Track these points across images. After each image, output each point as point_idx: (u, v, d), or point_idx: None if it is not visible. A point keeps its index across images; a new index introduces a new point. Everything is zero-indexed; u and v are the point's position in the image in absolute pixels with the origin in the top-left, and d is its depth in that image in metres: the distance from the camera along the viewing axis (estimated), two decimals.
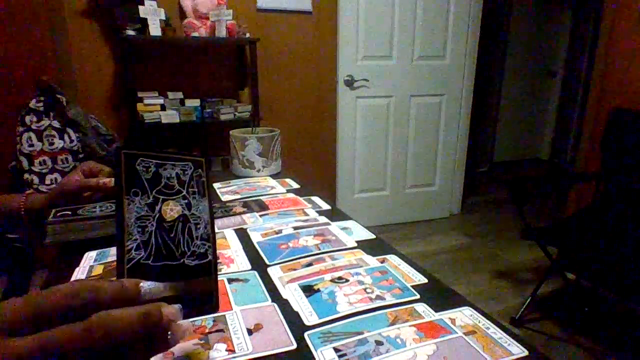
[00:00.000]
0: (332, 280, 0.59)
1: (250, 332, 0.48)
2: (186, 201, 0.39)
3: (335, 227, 0.79)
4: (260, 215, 0.86)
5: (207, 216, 0.40)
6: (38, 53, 1.93)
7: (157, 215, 0.37)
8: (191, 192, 0.40)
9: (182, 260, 0.37)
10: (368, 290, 0.56)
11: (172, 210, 0.38)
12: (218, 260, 0.65)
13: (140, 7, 2.00)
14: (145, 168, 0.37)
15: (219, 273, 0.62)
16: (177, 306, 0.30)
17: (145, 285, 0.31)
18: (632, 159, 1.83)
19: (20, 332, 0.25)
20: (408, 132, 2.84)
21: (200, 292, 0.38)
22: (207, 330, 0.48)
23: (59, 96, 1.90)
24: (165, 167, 0.38)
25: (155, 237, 0.36)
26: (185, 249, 0.38)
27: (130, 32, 2.03)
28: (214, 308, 0.39)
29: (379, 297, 0.55)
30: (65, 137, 1.93)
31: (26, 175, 1.89)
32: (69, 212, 0.72)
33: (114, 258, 0.65)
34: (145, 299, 0.30)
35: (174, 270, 0.36)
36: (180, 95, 2.25)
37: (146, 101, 2.15)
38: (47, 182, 1.92)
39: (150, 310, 0.28)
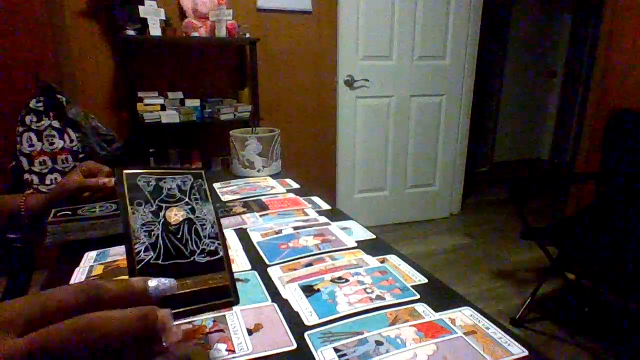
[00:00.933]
0: (332, 280, 0.59)
1: (250, 332, 0.48)
2: (189, 207, 0.41)
3: (335, 227, 0.79)
4: (260, 215, 0.86)
5: (212, 217, 0.42)
6: (38, 53, 1.93)
7: (162, 220, 0.38)
8: (194, 199, 0.42)
9: (192, 258, 0.38)
10: (368, 290, 0.56)
11: (176, 215, 0.39)
12: None
13: (140, 7, 2.00)
14: (146, 182, 0.39)
15: None
16: (167, 310, 0.30)
17: (153, 282, 0.31)
18: (632, 159, 1.83)
19: (25, 331, 0.25)
20: (408, 132, 2.84)
21: (215, 287, 0.38)
22: (207, 330, 0.48)
23: (59, 96, 1.90)
24: (165, 181, 0.41)
25: (162, 239, 0.37)
26: (195, 247, 0.39)
27: (130, 32, 2.03)
28: (234, 302, 0.39)
29: (379, 297, 0.55)
30: (65, 137, 1.93)
31: (26, 175, 1.89)
32: (69, 212, 0.72)
33: (114, 258, 0.65)
34: (156, 297, 0.31)
35: (186, 268, 0.37)
36: (180, 95, 2.25)
37: (146, 101, 2.15)
38: (47, 182, 1.92)
39: (147, 312, 0.28)
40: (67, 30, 2.13)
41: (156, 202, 0.39)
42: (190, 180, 0.43)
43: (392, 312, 0.52)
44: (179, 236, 0.38)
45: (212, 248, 0.40)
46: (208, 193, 0.43)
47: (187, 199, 0.41)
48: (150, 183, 0.40)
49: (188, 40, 2.27)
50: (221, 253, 0.40)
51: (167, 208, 0.39)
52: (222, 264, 0.40)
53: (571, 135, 4.57)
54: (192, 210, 0.41)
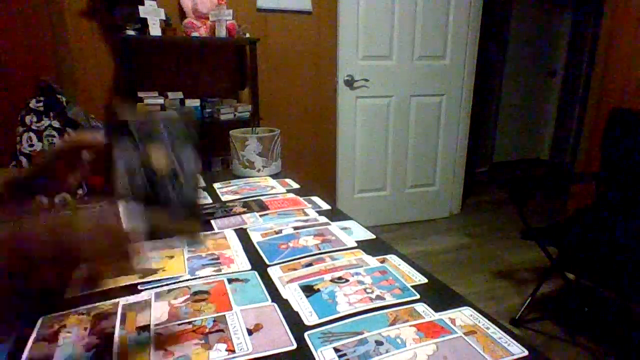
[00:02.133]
0: (332, 280, 0.59)
1: (250, 332, 0.48)
2: (173, 153, 0.42)
3: (335, 227, 0.79)
4: (260, 215, 0.86)
5: (193, 165, 0.43)
6: (38, 53, 1.93)
7: (147, 167, 0.40)
8: (177, 142, 0.43)
9: (171, 205, 0.40)
10: (368, 290, 0.56)
11: (160, 161, 0.41)
12: (218, 261, 0.66)
13: (140, 7, 2.00)
14: (135, 126, 0.41)
15: (219, 273, 0.62)
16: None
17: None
18: (631, 159, 1.83)
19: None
20: (408, 132, 2.84)
21: (187, 233, 0.41)
22: (207, 330, 0.48)
23: (59, 96, 1.90)
24: (153, 124, 0.43)
25: (144, 185, 0.39)
26: (174, 195, 0.41)
27: (130, 32, 2.03)
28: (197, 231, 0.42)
29: (379, 297, 0.55)
30: (65, 137, 1.93)
31: None
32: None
33: None
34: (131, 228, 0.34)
35: (164, 214, 0.40)
36: (180, 95, 2.25)
37: (146, 101, 2.15)
38: None
39: (116, 227, 0.31)
40: (67, 30, 2.13)
41: (143, 146, 0.40)
42: (177, 122, 0.44)
43: (392, 312, 0.52)
44: (161, 183, 0.40)
45: (190, 197, 0.41)
46: (191, 136, 0.44)
47: (171, 145, 0.42)
48: (140, 127, 0.41)
49: (188, 40, 2.26)
50: (198, 202, 0.43)
51: (152, 153, 0.41)
52: (198, 212, 0.43)
53: (571, 135, 4.57)
54: (178, 158, 0.42)
